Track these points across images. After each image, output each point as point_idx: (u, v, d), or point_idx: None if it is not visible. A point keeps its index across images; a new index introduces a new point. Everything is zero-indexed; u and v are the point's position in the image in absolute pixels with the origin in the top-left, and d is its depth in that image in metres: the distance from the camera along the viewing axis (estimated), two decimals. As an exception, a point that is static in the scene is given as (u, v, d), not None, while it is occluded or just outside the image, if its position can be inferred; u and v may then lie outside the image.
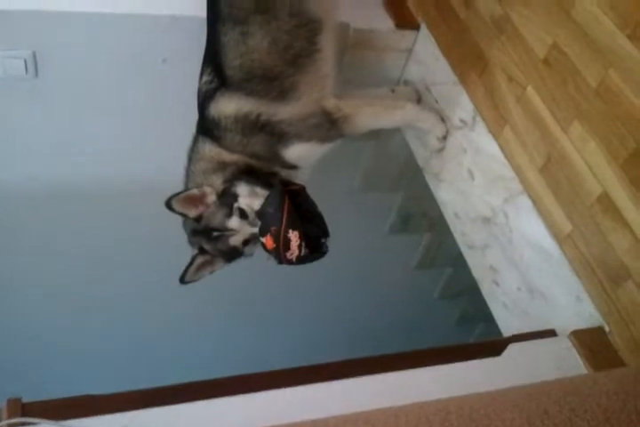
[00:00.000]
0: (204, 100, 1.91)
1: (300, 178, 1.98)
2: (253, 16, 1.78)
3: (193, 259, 1.89)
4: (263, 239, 1.70)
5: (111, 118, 2.29)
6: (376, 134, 2.48)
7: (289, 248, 1.67)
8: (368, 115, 2.05)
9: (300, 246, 1.67)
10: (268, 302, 3.21)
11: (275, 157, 1.95)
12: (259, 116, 1.88)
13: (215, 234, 1.85)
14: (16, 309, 2.82)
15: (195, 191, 1.85)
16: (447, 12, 2.05)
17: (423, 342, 1.83)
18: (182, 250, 1.90)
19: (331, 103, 1.98)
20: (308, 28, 1.83)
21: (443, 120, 2.12)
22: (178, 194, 1.81)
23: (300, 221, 1.69)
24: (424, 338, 2.63)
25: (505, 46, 1.79)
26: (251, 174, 1.87)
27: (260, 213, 1.74)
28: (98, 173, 2.46)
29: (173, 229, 1.93)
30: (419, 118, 2.13)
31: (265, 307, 3.25)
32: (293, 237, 1.66)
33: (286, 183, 1.81)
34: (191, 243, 1.92)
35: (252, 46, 1.81)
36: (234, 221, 1.82)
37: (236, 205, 1.82)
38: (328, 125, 1.99)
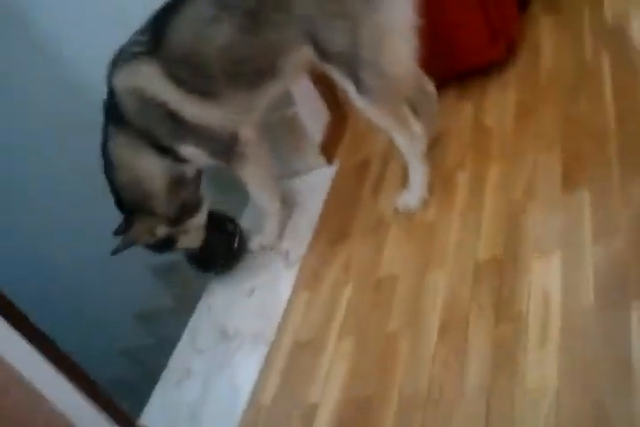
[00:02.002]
0: (119, 59, 1.89)
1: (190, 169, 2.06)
2: None
3: None
4: None
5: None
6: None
7: None
8: (256, 175, 2.16)
9: None
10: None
11: (169, 149, 2.00)
12: (165, 104, 1.90)
13: None
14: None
15: None
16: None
17: None
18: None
19: (246, 134, 2.06)
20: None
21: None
22: None
23: None
24: None
25: None
26: None
27: None
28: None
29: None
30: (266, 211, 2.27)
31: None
32: None
33: None
34: None
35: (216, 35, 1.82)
36: None
37: None
38: (225, 148, 2.05)
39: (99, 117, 1.98)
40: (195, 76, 1.89)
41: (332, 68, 1.85)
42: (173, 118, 1.93)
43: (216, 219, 2.22)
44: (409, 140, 1.96)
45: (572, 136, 1.85)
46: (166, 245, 2.12)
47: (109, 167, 1.99)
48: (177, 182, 2.06)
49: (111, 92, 1.92)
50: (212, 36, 1.83)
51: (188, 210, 2.10)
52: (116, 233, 2.04)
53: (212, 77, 1.89)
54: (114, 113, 1.94)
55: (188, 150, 2.01)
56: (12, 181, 2.74)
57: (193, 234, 2.14)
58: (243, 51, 1.85)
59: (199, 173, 2.12)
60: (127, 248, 2.00)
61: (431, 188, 2.02)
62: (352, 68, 1.80)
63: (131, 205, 2.03)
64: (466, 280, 1.68)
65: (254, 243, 2.30)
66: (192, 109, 1.92)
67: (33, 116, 2.61)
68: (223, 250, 2.24)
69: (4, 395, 1.43)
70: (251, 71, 1.90)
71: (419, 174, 2.01)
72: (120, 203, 2.03)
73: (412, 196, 2.02)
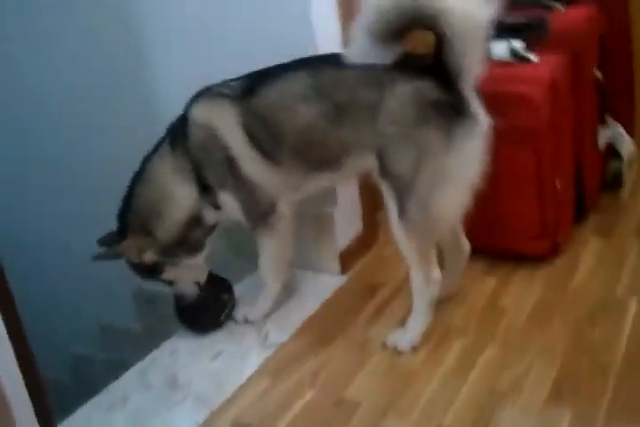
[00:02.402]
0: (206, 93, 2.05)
1: (219, 217, 2.16)
2: None
3: None
4: None
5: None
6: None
7: None
8: (273, 251, 2.22)
9: None
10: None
11: (209, 191, 2.09)
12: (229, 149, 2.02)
13: None
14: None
15: None
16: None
17: None
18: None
19: (283, 208, 2.13)
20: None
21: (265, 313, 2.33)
22: None
23: None
24: None
25: None
26: None
27: None
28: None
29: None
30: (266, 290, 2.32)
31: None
32: None
33: None
34: None
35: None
36: None
37: None
38: (259, 212, 2.12)
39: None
40: (265, 137, 2.01)
41: (385, 186, 1.95)
42: (229, 165, 2.04)
43: (216, 286, 2.29)
44: (424, 283, 2.02)
45: (575, 356, 1.95)
46: (150, 271, 2.16)
47: (139, 176, 2.10)
48: (193, 221, 2.13)
49: (184, 118, 2.06)
50: (296, 112, 1.96)
51: (184, 249, 2.16)
52: (100, 242, 2.10)
53: (280, 146, 2.02)
54: (177, 136, 2.07)
55: (226, 199, 2.10)
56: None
57: (182, 271, 2.18)
58: (317, 136, 1.98)
59: (215, 226, 2.20)
60: (109, 259, 2.06)
61: (426, 339, 2.09)
62: (402, 194, 1.91)
63: (133, 220, 2.10)
64: (422, 440, 1.73)
65: (240, 313, 2.34)
66: (249, 163, 2.04)
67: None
68: (208, 318, 2.30)
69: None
70: (315, 156, 2.03)
71: (419, 320, 2.08)
72: (123, 214, 2.10)
73: (405, 337, 2.08)
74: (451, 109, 1.84)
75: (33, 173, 3.09)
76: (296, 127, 1.97)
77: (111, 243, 2.08)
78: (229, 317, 2.32)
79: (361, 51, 1.84)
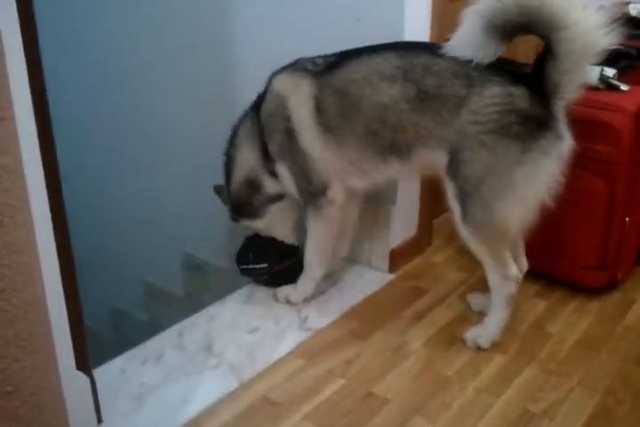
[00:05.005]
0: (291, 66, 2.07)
1: (274, 185, 2.22)
2: None
3: None
4: None
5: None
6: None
7: None
8: (319, 235, 2.21)
9: None
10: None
11: (270, 159, 2.15)
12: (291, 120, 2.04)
13: None
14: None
15: None
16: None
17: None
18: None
19: (335, 193, 2.12)
20: None
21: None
22: None
23: None
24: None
25: None
26: None
27: None
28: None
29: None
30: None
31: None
32: None
33: None
34: None
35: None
36: None
37: None
38: (310, 191, 2.11)
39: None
40: (336, 111, 1.98)
41: (450, 185, 1.92)
42: (288, 135, 2.06)
43: (264, 253, 2.35)
44: (500, 279, 2.00)
45: (617, 394, 1.89)
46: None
47: (229, 140, 2.24)
48: (252, 185, 2.24)
49: (267, 86, 2.11)
50: (377, 88, 1.91)
51: (245, 211, 2.29)
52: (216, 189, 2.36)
53: (349, 122, 1.98)
54: (258, 102, 2.14)
55: (282, 170, 2.13)
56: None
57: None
58: (393, 117, 1.92)
59: (279, 197, 2.25)
60: (218, 197, 2.36)
61: (463, 350, 2.06)
62: (466, 196, 1.88)
63: (226, 175, 2.29)
64: (445, 448, 1.70)
65: (282, 293, 2.34)
66: (309, 137, 2.03)
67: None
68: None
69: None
70: (386, 139, 1.96)
71: (498, 315, 2.05)
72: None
73: (485, 333, 2.07)
74: (536, 123, 1.80)
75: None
76: (373, 105, 1.93)
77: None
78: (259, 282, 2.39)
79: (466, 39, 1.79)
